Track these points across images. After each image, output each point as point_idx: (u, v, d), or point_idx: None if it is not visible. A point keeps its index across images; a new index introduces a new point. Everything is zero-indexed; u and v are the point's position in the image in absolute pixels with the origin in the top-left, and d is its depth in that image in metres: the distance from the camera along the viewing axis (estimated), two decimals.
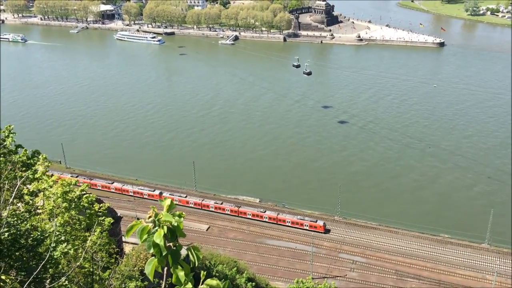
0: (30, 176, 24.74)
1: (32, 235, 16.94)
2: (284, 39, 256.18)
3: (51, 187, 25.02)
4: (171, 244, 7.91)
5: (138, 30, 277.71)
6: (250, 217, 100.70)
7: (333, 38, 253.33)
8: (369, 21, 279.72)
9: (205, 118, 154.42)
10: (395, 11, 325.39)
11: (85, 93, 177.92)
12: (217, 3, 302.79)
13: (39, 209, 24.53)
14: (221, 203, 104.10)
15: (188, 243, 68.86)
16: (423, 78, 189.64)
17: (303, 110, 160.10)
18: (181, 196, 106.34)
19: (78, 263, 20.83)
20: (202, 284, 8.08)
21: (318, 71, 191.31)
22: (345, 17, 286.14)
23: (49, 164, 27.36)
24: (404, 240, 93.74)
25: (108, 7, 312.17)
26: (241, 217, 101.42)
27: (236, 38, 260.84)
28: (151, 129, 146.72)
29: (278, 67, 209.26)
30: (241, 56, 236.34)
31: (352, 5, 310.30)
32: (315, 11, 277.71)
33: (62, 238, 21.61)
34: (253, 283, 60.51)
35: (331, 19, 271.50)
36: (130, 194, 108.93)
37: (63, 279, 17.00)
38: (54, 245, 18.76)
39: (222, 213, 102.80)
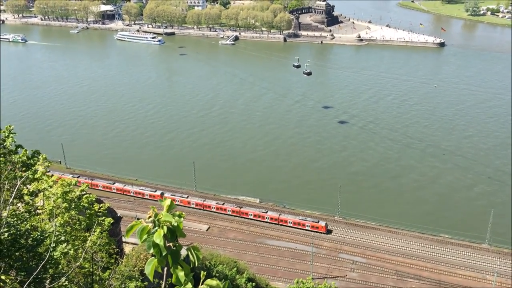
0: (30, 176, 24.74)
1: (32, 235, 16.92)
2: (284, 39, 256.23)
3: (51, 187, 25.01)
4: (171, 244, 7.90)
5: (138, 30, 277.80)
6: (251, 217, 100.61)
7: (333, 38, 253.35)
8: (369, 21, 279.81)
9: (205, 118, 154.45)
10: (395, 11, 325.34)
11: (85, 93, 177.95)
12: (217, 3, 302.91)
13: (39, 209, 24.52)
14: (223, 204, 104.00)
15: (188, 243, 68.85)
16: (424, 78, 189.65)
17: (303, 110, 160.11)
18: (182, 197, 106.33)
19: (78, 263, 20.82)
20: (202, 284, 8.07)
21: (318, 71, 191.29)
22: (345, 17, 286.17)
23: (49, 164, 27.35)
24: (404, 241, 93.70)
25: (109, 7, 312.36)
26: (243, 217, 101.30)
27: (236, 38, 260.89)
28: (151, 129, 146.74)
29: (278, 67, 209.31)
30: (241, 57, 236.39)
31: (352, 5, 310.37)
32: (315, 11, 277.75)
33: (62, 238, 21.60)
34: (253, 283, 60.46)
35: (331, 19, 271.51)
36: (132, 194, 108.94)
37: (63, 279, 16.99)
38: (54, 245, 18.75)
39: (224, 214, 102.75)
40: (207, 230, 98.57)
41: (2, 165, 22.23)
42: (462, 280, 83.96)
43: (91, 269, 23.51)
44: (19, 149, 25.28)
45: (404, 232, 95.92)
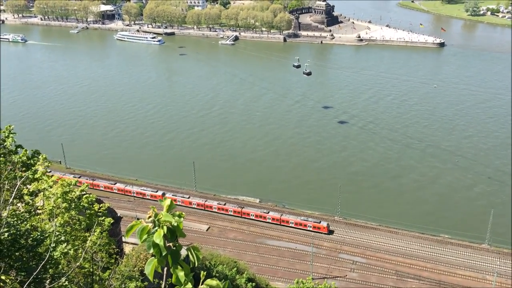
0: (30, 176, 24.73)
1: (32, 235, 16.92)
2: (284, 40, 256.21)
3: (51, 187, 25.00)
4: (171, 244, 7.90)
5: (138, 30, 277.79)
6: (253, 218, 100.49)
7: (333, 38, 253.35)
8: (369, 21, 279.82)
9: (205, 119, 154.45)
10: (395, 11, 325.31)
11: (85, 93, 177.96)
12: (217, 3, 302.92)
13: (39, 209, 24.52)
14: (224, 204, 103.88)
15: (188, 243, 68.84)
16: (423, 79, 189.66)
17: (303, 110, 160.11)
18: (184, 197, 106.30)
19: (78, 264, 20.82)
20: (202, 284, 8.07)
21: (318, 71, 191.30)
22: (345, 17, 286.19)
23: (49, 164, 27.34)
24: (404, 241, 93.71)
25: (108, 7, 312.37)
26: (245, 218, 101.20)
27: (236, 38, 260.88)
28: (151, 129, 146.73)
29: (278, 67, 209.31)
30: (241, 57, 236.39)
31: (352, 5, 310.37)
32: (315, 11, 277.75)
33: (62, 238, 21.60)
34: (253, 284, 60.47)
35: (331, 19, 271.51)
36: (133, 195, 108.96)
37: (63, 279, 16.99)
38: (54, 245, 18.75)
39: (225, 214, 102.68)
40: (207, 230, 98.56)
41: (2, 165, 22.24)
42: (462, 280, 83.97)
43: (91, 269, 23.51)
44: (19, 149, 25.28)
45: (404, 232, 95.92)
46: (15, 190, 18.68)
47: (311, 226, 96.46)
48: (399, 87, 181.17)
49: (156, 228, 7.84)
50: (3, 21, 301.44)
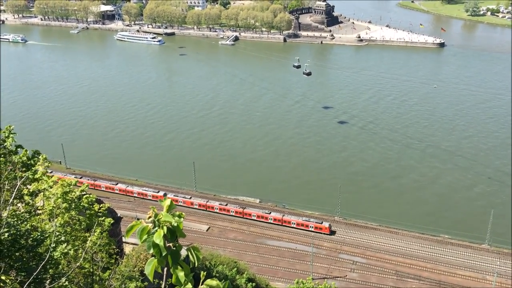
0: (30, 176, 24.72)
1: (32, 236, 16.93)
2: (284, 40, 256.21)
3: (51, 187, 25.00)
4: (171, 244, 7.91)
5: (138, 31, 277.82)
6: (255, 218, 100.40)
7: (333, 38, 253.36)
8: (369, 22, 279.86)
9: (205, 119, 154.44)
10: (395, 11, 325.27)
11: (85, 94, 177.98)
12: (217, 3, 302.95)
13: (39, 209, 24.52)
14: (226, 205, 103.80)
15: (188, 244, 68.87)
16: (423, 79, 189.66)
17: (303, 110, 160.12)
18: (185, 197, 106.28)
19: (78, 264, 20.82)
20: (202, 284, 8.08)
21: (318, 72, 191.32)
22: (345, 17, 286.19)
23: (49, 164, 27.34)
24: (404, 241, 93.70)
25: (109, 7, 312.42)
26: (246, 218, 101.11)
27: (236, 38, 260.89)
28: (151, 130, 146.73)
29: (278, 67, 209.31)
30: (241, 57, 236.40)
31: (352, 6, 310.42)
32: (315, 11, 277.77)
33: (62, 238, 21.60)
34: (253, 284, 60.48)
35: (331, 19, 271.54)
36: (134, 195, 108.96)
37: (63, 279, 16.99)
38: (54, 245, 18.75)
39: (227, 215, 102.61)
40: (207, 230, 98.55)
41: (2, 166, 22.24)
42: (462, 280, 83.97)
43: (91, 269, 23.52)
44: (19, 149, 25.26)
45: (404, 233, 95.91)
46: (15, 190, 18.69)
47: (313, 227, 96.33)
48: (399, 87, 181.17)
49: (156, 228, 7.85)
50: (3, 21, 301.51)
